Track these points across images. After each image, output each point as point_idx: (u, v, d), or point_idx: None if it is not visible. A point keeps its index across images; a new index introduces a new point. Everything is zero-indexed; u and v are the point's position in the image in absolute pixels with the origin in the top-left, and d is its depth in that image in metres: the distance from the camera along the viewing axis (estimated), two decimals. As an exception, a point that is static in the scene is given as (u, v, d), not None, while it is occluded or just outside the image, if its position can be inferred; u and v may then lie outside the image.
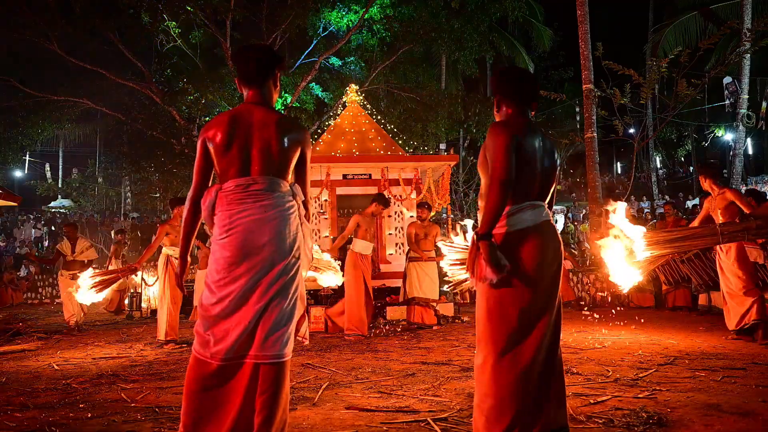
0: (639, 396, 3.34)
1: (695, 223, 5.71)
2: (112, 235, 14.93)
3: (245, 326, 2.19)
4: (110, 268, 10.23)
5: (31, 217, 24.86)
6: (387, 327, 7.37)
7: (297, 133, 2.41)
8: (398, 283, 9.43)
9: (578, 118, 19.00)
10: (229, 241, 2.25)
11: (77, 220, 18.85)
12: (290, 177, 2.45)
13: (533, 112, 2.57)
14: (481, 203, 2.44)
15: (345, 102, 11.93)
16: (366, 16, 15.93)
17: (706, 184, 5.57)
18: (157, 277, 10.41)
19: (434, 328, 7.27)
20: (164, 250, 6.58)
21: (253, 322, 2.20)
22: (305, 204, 2.53)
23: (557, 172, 2.58)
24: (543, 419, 2.25)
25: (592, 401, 3.24)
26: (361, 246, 6.81)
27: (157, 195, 17.23)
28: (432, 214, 8.16)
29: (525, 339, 2.29)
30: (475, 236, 2.36)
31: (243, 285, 2.21)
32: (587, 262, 12.30)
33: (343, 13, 16.50)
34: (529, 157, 2.39)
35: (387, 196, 7.48)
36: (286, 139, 2.35)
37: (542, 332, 2.30)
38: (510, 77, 2.58)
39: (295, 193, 2.41)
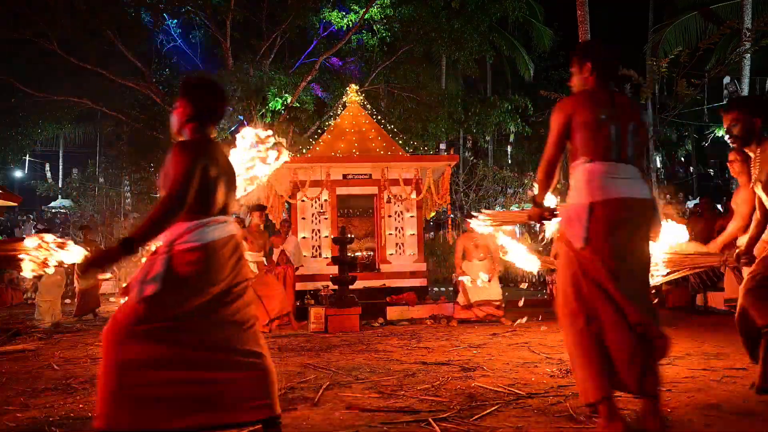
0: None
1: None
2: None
3: None
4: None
5: (32, 217, 24.84)
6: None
7: None
8: (398, 283, 9.53)
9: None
10: None
11: (77, 221, 18.84)
12: None
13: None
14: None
15: (345, 102, 11.92)
16: (366, 16, 15.93)
17: None
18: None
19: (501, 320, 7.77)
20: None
21: None
22: None
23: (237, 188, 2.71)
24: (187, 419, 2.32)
25: (592, 401, 3.23)
26: None
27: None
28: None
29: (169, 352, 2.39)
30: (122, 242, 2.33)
31: None
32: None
33: (344, 13, 16.51)
34: (213, 175, 2.46)
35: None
36: None
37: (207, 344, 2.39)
38: (216, 94, 2.61)
39: None
